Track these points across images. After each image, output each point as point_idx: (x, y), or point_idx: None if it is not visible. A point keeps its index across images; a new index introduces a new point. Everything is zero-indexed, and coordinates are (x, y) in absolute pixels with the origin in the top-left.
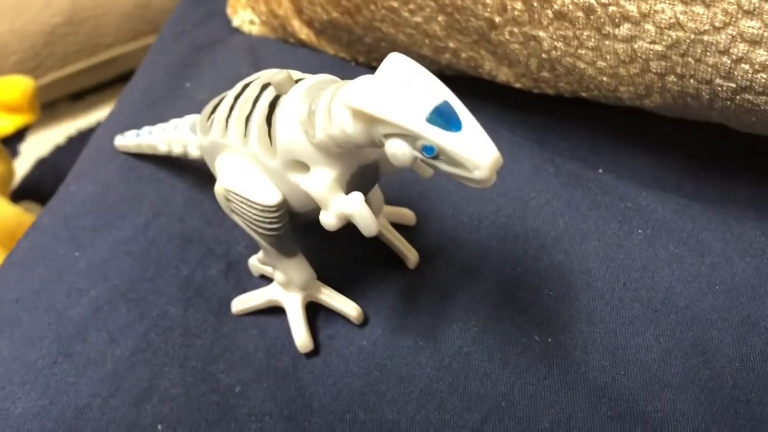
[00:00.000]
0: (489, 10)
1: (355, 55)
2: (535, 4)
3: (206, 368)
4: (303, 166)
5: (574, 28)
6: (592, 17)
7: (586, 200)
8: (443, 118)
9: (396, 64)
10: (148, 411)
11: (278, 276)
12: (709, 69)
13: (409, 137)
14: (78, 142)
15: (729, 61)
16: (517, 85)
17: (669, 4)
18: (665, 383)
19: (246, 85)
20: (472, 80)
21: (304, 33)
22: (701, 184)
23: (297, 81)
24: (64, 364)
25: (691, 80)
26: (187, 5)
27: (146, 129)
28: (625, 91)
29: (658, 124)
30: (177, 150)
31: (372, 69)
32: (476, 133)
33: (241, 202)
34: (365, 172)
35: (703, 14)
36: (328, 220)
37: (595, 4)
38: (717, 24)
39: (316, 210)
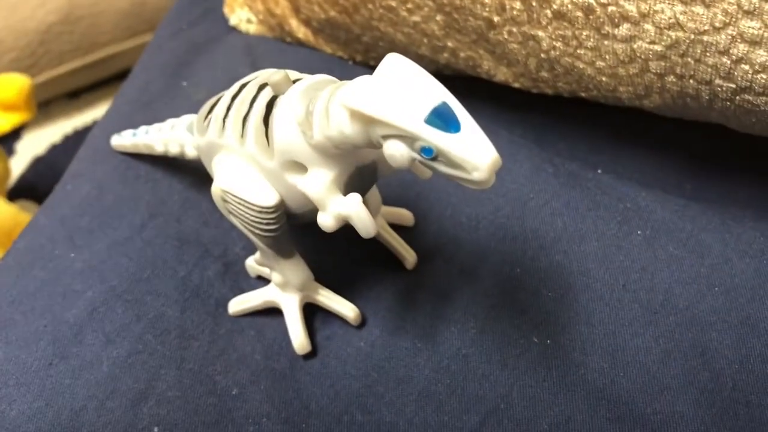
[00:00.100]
0: (487, 9)
1: (353, 54)
2: (534, 3)
3: (203, 370)
4: (300, 167)
5: (573, 27)
6: (591, 17)
7: (585, 201)
8: (442, 119)
9: (394, 64)
10: (144, 413)
11: (275, 277)
12: (709, 69)
13: (408, 138)
14: (74, 140)
15: (729, 62)
16: (516, 85)
17: (668, 4)
18: (664, 385)
19: (243, 85)
20: (471, 80)
21: (301, 32)
22: (701, 184)
23: (294, 81)
24: (59, 366)
25: (691, 81)
26: (184, 3)
27: (143, 128)
28: (624, 91)
29: (657, 124)
30: (174, 150)
31: (370, 68)
32: (475, 134)
33: (238, 202)
34: (363, 173)
35: (702, 14)
36: (326, 221)
37: (595, 3)
38: (717, 24)
39: (314, 211)
